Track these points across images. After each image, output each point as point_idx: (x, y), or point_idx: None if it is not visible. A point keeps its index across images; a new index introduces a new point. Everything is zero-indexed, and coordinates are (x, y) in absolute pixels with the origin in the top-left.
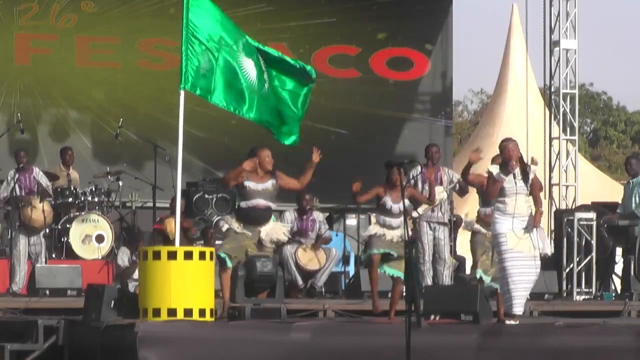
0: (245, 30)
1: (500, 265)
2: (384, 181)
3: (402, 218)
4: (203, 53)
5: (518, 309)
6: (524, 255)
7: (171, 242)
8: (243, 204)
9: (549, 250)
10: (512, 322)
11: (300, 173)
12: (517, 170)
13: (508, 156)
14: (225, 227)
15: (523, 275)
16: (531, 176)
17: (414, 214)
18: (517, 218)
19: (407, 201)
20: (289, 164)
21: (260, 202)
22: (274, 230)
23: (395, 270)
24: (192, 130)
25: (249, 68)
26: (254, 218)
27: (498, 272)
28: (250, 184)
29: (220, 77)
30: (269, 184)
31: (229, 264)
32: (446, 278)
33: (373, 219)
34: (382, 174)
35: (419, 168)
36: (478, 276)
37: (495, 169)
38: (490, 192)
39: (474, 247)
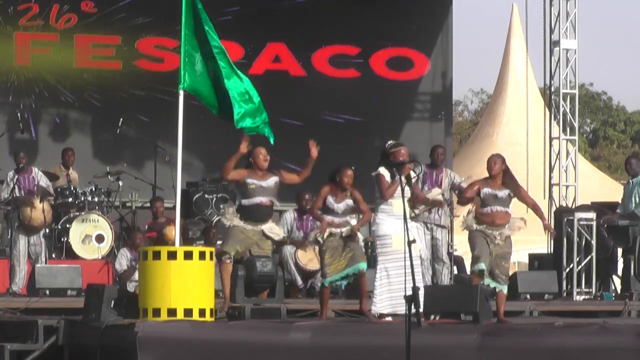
0: (243, 31)
1: (381, 265)
2: (329, 181)
3: (345, 217)
4: (199, 54)
5: (386, 309)
6: (402, 257)
7: None
8: (245, 202)
9: (424, 253)
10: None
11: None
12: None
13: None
14: (227, 224)
15: (401, 277)
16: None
17: (411, 214)
18: (401, 219)
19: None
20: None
21: (263, 199)
22: (274, 228)
23: (360, 264)
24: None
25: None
26: (256, 215)
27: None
28: (252, 182)
29: (209, 80)
30: (272, 181)
31: (231, 259)
32: (445, 277)
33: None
34: None
35: (421, 167)
36: (478, 270)
37: (386, 173)
38: (390, 193)
39: (472, 241)
